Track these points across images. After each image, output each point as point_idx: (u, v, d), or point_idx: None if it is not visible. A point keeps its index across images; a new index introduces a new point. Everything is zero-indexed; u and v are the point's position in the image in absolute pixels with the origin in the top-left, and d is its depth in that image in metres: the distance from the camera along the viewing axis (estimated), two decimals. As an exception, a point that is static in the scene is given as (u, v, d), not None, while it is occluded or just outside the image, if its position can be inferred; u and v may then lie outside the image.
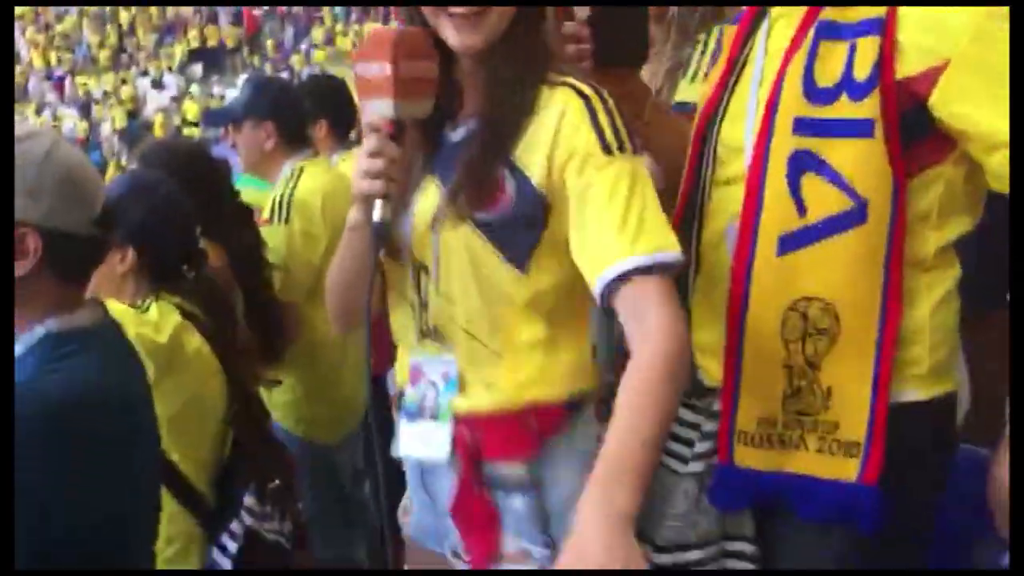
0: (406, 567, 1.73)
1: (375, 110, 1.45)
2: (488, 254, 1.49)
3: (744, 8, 1.71)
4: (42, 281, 1.60)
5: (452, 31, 1.48)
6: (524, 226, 1.48)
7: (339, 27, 31.47)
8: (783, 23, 1.58)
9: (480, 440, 1.53)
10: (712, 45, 1.84)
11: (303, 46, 31.22)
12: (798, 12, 1.55)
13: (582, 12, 1.73)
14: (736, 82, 1.64)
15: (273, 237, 3.13)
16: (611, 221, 1.42)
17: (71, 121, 28.71)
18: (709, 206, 1.63)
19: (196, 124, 26.42)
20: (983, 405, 1.65)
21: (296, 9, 32.79)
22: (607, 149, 1.45)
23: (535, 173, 1.47)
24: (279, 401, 3.24)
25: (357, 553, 3.48)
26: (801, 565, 1.57)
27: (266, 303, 2.96)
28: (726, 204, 1.59)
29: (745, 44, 1.65)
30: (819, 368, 1.52)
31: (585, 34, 1.71)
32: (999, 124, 1.41)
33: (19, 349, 1.61)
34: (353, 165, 1.50)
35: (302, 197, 3.22)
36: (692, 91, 1.98)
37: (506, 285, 1.50)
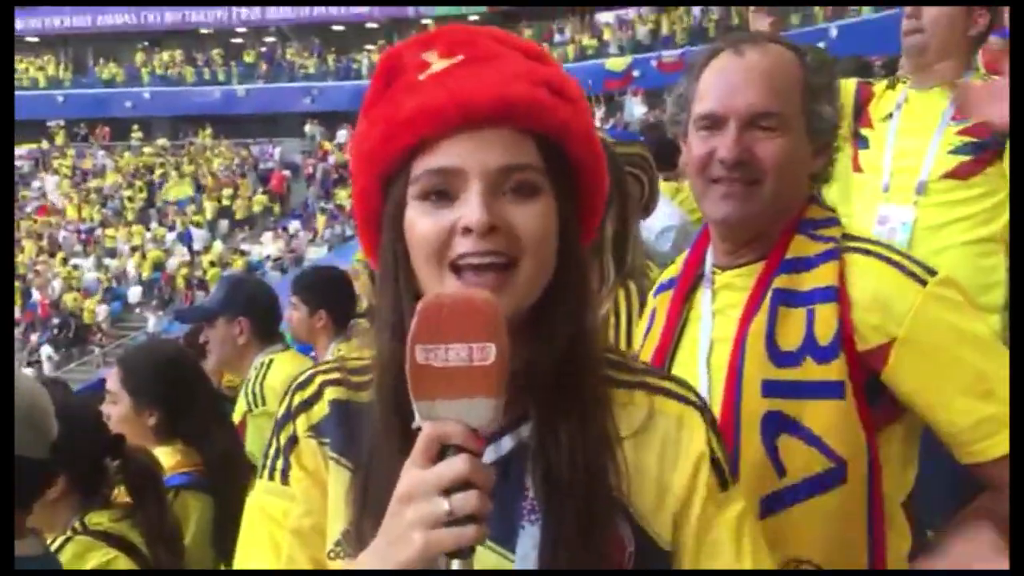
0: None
1: (457, 414, 0.97)
2: None
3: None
4: None
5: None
6: None
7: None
8: (728, 290, 1.65)
9: None
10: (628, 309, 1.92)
11: (329, 205, 32.24)
12: (746, 279, 1.62)
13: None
14: (676, 348, 1.68)
15: (254, 427, 3.25)
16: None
17: (93, 274, 29.46)
18: None
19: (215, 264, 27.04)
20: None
21: (318, 171, 34.03)
22: (722, 483, 1.18)
23: (662, 528, 1.15)
24: None
25: None
26: None
27: (237, 515, 2.90)
28: None
29: (682, 310, 1.70)
30: None
31: None
32: (941, 403, 1.50)
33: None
34: (398, 507, 0.98)
35: (272, 384, 3.34)
36: None
37: None
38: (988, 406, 1.48)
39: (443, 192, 1.08)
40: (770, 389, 1.53)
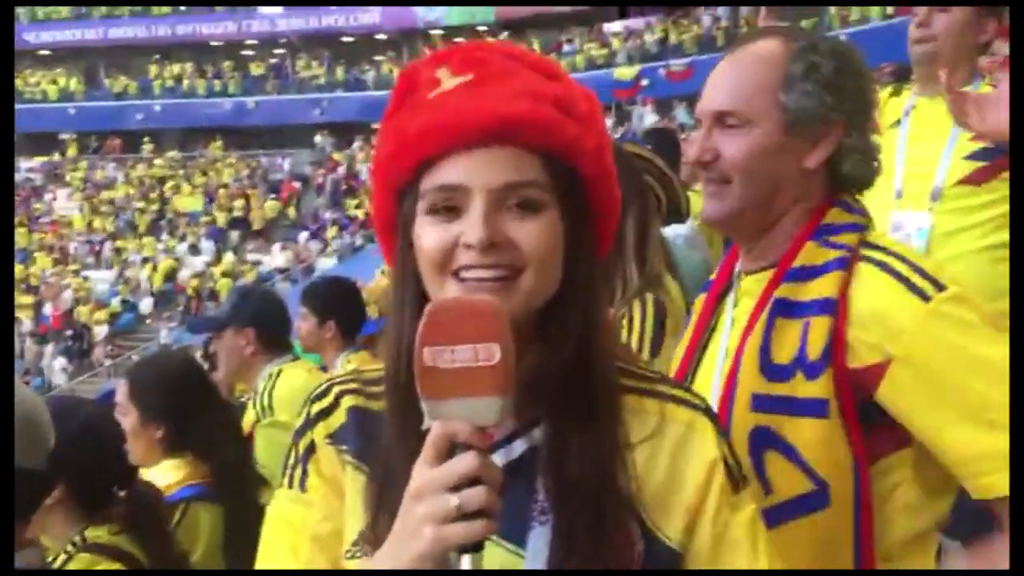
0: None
1: (464, 413, 1.00)
2: None
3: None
4: None
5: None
6: None
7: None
8: (747, 297, 1.60)
9: None
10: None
11: (338, 216, 32.31)
12: (760, 285, 1.57)
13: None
14: (703, 353, 1.66)
15: (263, 437, 3.24)
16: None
17: (105, 284, 29.52)
18: None
19: (228, 276, 27.11)
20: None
21: (328, 182, 34.10)
22: (735, 485, 1.19)
23: (672, 530, 1.15)
24: None
25: None
26: None
27: (248, 526, 2.88)
28: None
29: (714, 313, 1.68)
30: None
31: None
32: (940, 428, 1.42)
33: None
34: (410, 504, 1.01)
35: (281, 394, 3.34)
36: None
37: None
38: (992, 437, 1.37)
39: (449, 207, 1.11)
40: (759, 404, 1.48)
